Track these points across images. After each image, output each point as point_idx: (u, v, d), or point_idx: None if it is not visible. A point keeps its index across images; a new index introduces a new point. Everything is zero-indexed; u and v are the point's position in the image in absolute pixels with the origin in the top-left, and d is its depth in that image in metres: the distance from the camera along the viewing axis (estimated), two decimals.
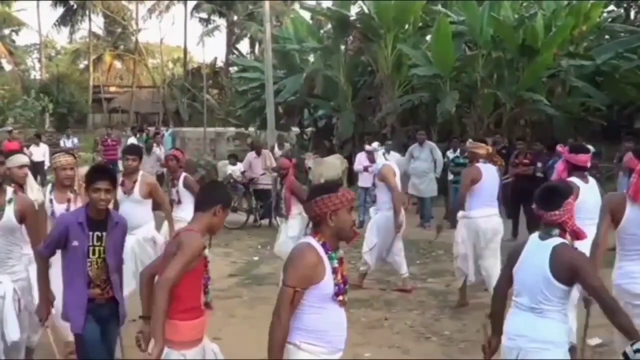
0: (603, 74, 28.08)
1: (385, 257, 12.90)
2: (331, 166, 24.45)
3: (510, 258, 5.97)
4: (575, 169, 8.75)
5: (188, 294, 5.59)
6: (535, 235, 5.81)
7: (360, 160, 20.26)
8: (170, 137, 30.62)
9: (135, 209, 10.13)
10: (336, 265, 5.15)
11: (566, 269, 5.35)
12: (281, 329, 4.95)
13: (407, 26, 28.69)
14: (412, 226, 19.71)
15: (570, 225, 5.66)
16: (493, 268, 11.09)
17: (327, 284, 5.08)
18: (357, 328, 10.49)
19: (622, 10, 34.83)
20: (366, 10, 28.77)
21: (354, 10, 31.30)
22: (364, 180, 20.02)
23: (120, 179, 9.94)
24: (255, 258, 16.25)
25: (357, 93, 30.41)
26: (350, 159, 23.17)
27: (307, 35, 31.70)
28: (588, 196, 8.56)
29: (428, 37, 28.73)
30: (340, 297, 5.18)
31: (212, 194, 5.90)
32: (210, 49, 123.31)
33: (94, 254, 6.64)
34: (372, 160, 13.91)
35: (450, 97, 25.24)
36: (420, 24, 29.62)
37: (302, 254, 5.08)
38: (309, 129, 34.98)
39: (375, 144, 14.13)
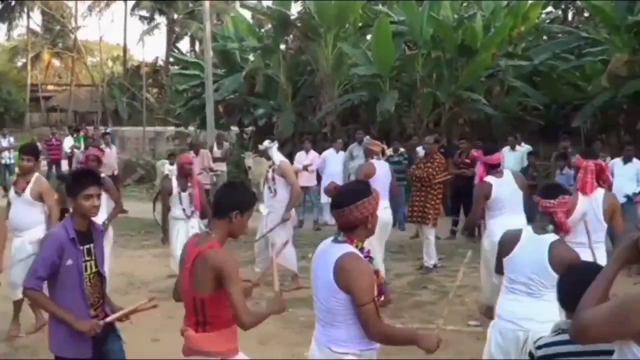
0: (541, 74, 28.49)
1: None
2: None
3: (502, 250, 6.43)
4: (491, 167, 10.31)
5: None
6: (529, 229, 6.29)
7: (300, 159, 20.40)
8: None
9: (25, 210, 10.13)
10: (375, 268, 5.16)
11: (565, 264, 5.52)
12: (390, 330, 5.05)
13: (347, 25, 28.74)
14: None
15: (559, 217, 6.19)
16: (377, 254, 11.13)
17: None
18: (297, 327, 10.53)
19: (560, 12, 35.34)
20: (307, 10, 28.79)
21: (294, 9, 31.34)
22: (304, 180, 20.07)
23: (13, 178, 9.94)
24: None
25: (297, 92, 30.39)
26: (291, 158, 23.21)
27: (247, 34, 31.60)
28: (502, 189, 10.17)
29: (368, 37, 28.75)
30: (382, 298, 5.21)
31: (227, 199, 5.45)
32: (150, 48, 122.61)
33: (86, 270, 6.09)
34: (268, 157, 13.78)
35: (389, 97, 25.33)
36: (361, 24, 29.68)
37: (361, 265, 4.95)
38: (249, 128, 34.84)
39: (266, 142, 14.04)
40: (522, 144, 21.09)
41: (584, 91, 26.81)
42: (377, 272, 5.11)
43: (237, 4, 48.03)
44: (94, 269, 6.15)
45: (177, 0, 60.59)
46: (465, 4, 30.94)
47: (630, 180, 16.12)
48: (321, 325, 5.24)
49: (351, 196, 5.04)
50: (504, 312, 6.28)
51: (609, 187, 8.76)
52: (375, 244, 11.87)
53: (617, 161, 16.67)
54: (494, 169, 10.38)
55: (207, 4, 29.58)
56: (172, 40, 61.99)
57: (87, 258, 6.08)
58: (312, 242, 17.44)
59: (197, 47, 59.46)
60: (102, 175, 11.53)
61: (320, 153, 21.30)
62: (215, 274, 5.14)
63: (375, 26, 25.47)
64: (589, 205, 8.39)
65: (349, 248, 5.00)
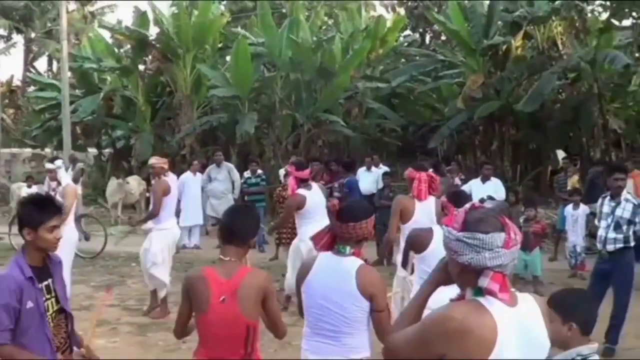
0: (398, 96, 29.17)
1: None
2: (129, 188, 24.42)
3: (415, 246, 7.31)
4: (302, 181, 11.53)
5: None
6: (439, 228, 6.54)
7: None
8: None
9: None
10: None
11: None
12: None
13: (206, 47, 28.73)
14: (212, 246, 19.92)
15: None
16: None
17: None
18: (156, 352, 10.39)
19: (417, 35, 36.24)
20: (165, 31, 28.61)
21: (153, 30, 31.17)
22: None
23: None
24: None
25: (156, 113, 30.19)
26: (149, 181, 23.04)
27: (105, 55, 31.17)
28: (313, 200, 11.49)
29: (228, 58, 28.89)
30: None
31: (247, 225, 5.39)
32: (6, 67, 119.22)
33: (47, 309, 5.33)
34: (52, 178, 12.66)
35: (249, 118, 25.36)
36: (220, 45, 29.79)
37: (378, 274, 5.33)
38: (107, 150, 34.38)
39: (58, 162, 12.75)
40: (380, 165, 21.39)
41: (441, 113, 27.57)
42: None
43: (96, 23, 47.50)
44: (55, 307, 5.41)
45: (35, 18, 59.31)
46: (324, 27, 31.38)
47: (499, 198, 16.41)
48: (333, 338, 5.34)
49: (365, 211, 5.45)
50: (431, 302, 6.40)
51: (438, 195, 9.58)
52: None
53: (476, 181, 16.90)
54: (304, 182, 11.60)
55: (64, 23, 29.06)
56: (30, 60, 60.60)
57: (47, 296, 5.34)
58: (172, 265, 17.38)
59: (54, 67, 58.24)
60: None
61: (179, 176, 21.16)
62: (263, 296, 5.19)
63: (234, 48, 25.57)
64: (424, 211, 9.36)
65: (360, 260, 5.35)
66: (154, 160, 12.87)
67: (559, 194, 19.39)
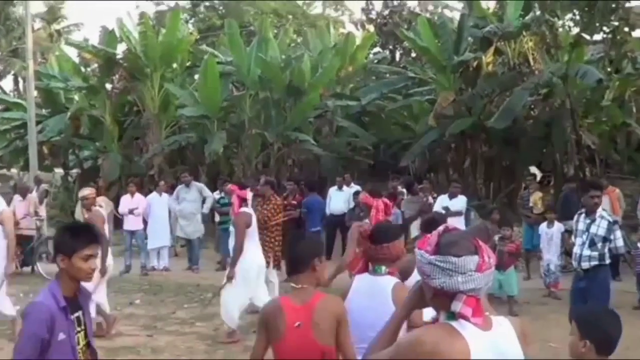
0: (369, 114, 29.16)
1: None
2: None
3: None
4: (243, 200, 12.16)
5: None
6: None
7: (126, 203, 20.11)
8: None
9: None
10: None
11: None
12: None
13: (174, 65, 28.69)
14: (182, 268, 19.77)
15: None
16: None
17: None
18: None
19: (387, 52, 36.19)
20: (133, 49, 28.36)
21: (120, 49, 30.97)
22: (130, 223, 20.03)
23: None
24: (17, 307, 15.51)
25: (123, 133, 29.96)
26: (116, 202, 22.83)
27: (72, 73, 30.98)
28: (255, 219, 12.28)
29: (196, 77, 28.77)
30: None
31: (305, 250, 5.46)
32: None
33: (78, 343, 5.10)
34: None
35: (217, 137, 25.33)
36: (188, 64, 29.68)
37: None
38: (74, 171, 34.08)
39: None
40: (352, 184, 21.33)
41: (412, 130, 27.65)
42: None
43: (62, 42, 47.23)
44: (84, 341, 5.18)
45: (0, 37, 59.00)
46: (293, 45, 31.34)
47: (457, 211, 17.26)
48: None
49: (397, 232, 5.91)
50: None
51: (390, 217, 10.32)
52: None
53: (444, 197, 17.68)
54: (245, 201, 12.26)
55: (29, 40, 28.83)
56: None
57: (78, 329, 5.11)
58: (140, 288, 17.24)
59: (20, 86, 57.90)
60: None
61: (146, 196, 21.05)
62: (337, 321, 5.20)
63: (202, 66, 25.56)
64: None
65: (395, 278, 5.68)
66: (87, 192, 12.97)
67: (522, 211, 19.39)
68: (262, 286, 12.54)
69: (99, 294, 12.22)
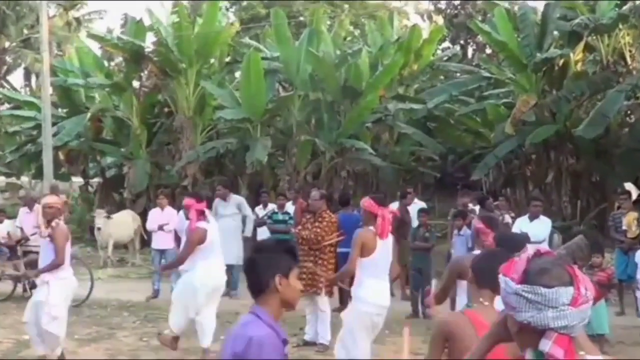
0: (436, 119, 29.18)
1: None
2: (122, 225, 24.36)
3: None
4: (201, 214, 12.61)
5: None
6: None
7: (155, 217, 20.05)
8: None
9: None
10: None
11: None
12: None
13: (212, 61, 28.98)
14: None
15: None
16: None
17: None
18: None
19: (458, 48, 36.27)
20: (164, 42, 28.44)
21: (150, 41, 31.24)
22: (159, 241, 19.77)
23: None
24: (26, 337, 15.85)
25: (152, 138, 30.18)
26: (144, 215, 23.05)
27: (93, 69, 31.14)
28: (213, 233, 12.70)
29: (237, 74, 28.95)
30: None
31: (493, 266, 4.86)
32: None
33: None
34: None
35: (261, 144, 25.38)
36: (228, 59, 29.93)
37: None
38: (95, 180, 34.41)
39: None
40: (415, 200, 21.30)
41: (486, 139, 27.53)
42: None
43: (83, 33, 47.53)
44: None
45: (9, 24, 59.62)
46: (349, 39, 31.46)
47: (537, 239, 15.37)
48: None
49: (524, 240, 6.52)
50: None
51: None
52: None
53: (523, 220, 16.77)
54: (203, 215, 12.67)
55: (45, 30, 28.99)
56: (3, 73, 60.97)
57: None
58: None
59: (33, 82, 58.56)
60: None
61: (179, 210, 20.98)
62: None
63: (245, 63, 25.73)
64: (384, 249, 10.78)
65: None
66: (51, 200, 12.73)
67: (614, 234, 18.38)
68: (212, 306, 12.97)
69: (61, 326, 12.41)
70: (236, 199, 20.60)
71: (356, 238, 10.69)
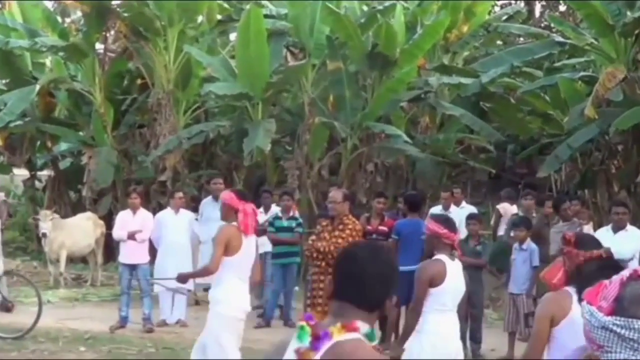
0: (492, 99, 28.99)
1: None
2: (78, 231, 24.34)
3: None
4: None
5: None
6: None
7: (124, 222, 19.66)
8: None
9: None
10: None
11: None
12: None
13: (199, 19, 28.76)
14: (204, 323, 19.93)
15: None
16: None
17: None
18: None
19: (522, 5, 36.07)
20: None
21: None
22: (129, 254, 19.45)
23: None
24: None
25: (120, 119, 30.08)
26: (110, 219, 23.13)
27: (43, 26, 31.07)
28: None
29: (232, 37, 28.97)
30: None
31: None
32: None
33: None
34: None
35: (263, 129, 25.09)
36: (220, 17, 29.45)
37: None
38: (45, 173, 34.40)
39: None
40: (463, 202, 21.36)
41: (558, 124, 27.49)
42: None
43: None
44: None
45: None
46: None
47: (622, 257, 14.49)
48: None
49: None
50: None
51: None
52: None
53: (605, 231, 16.43)
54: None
55: None
56: None
57: None
58: (141, 351, 17.22)
59: None
60: None
61: (154, 213, 20.94)
62: None
63: (243, 22, 25.58)
64: (247, 246, 12.23)
65: None
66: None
67: None
68: None
69: None
70: None
71: (220, 234, 12.07)
